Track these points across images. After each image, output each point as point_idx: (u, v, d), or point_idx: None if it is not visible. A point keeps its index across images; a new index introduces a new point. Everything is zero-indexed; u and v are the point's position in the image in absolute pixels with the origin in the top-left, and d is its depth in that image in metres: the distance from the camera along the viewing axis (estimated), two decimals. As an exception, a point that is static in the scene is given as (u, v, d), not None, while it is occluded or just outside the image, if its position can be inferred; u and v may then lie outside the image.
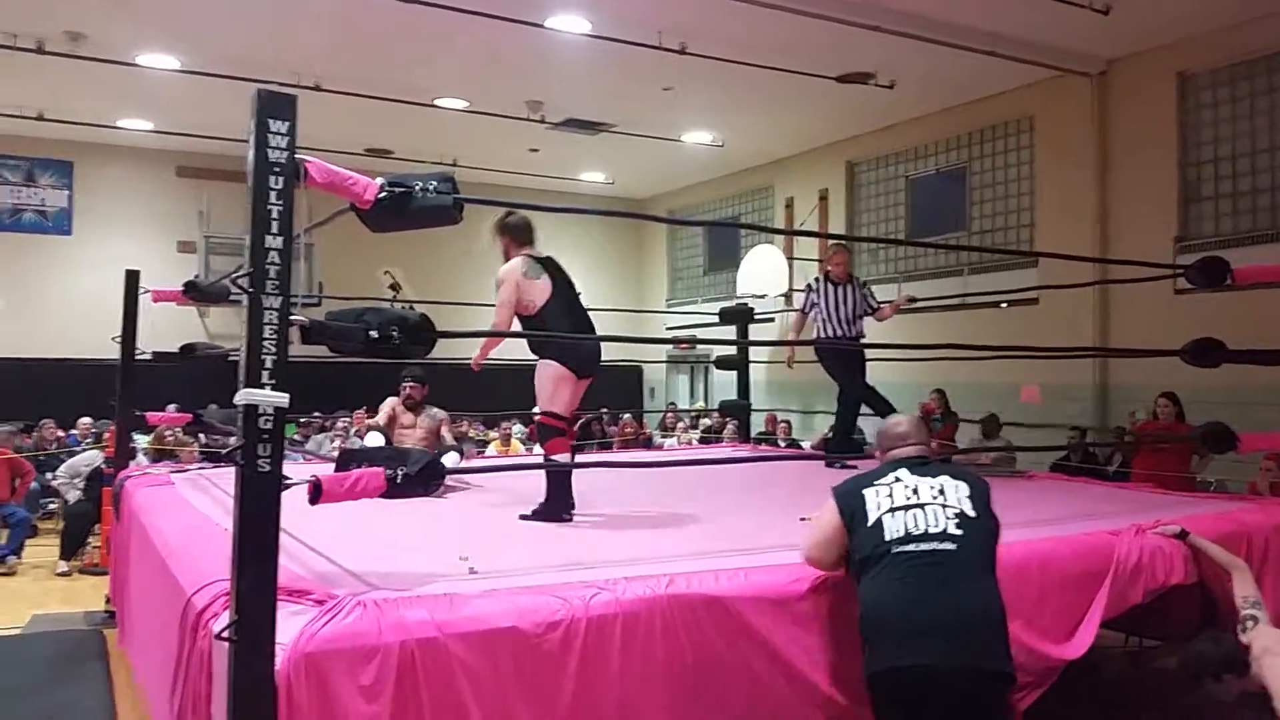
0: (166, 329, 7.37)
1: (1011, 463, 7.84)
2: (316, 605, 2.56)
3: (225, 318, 13.23)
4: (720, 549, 3.48)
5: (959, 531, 2.81)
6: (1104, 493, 5.50)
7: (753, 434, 9.35)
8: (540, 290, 4.44)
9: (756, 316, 8.78)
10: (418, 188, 2.83)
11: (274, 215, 2.41)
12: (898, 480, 2.96)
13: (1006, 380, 9.87)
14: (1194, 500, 5.07)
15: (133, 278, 6.36)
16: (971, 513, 2.86)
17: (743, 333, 8.51)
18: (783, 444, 10.94)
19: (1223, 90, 9.04)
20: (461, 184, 3.01)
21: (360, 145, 12.56)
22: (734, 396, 8.46)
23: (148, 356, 6.42)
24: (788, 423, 11.71)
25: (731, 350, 8.87)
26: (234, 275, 2.51)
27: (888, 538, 2.82)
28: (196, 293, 6.03)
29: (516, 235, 4.61)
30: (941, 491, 2.90)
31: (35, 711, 4.63)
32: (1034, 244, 10.42)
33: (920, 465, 3.02)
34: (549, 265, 4.56)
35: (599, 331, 5.08)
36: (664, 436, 12.94)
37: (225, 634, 2.34)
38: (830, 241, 6.63)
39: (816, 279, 7.00)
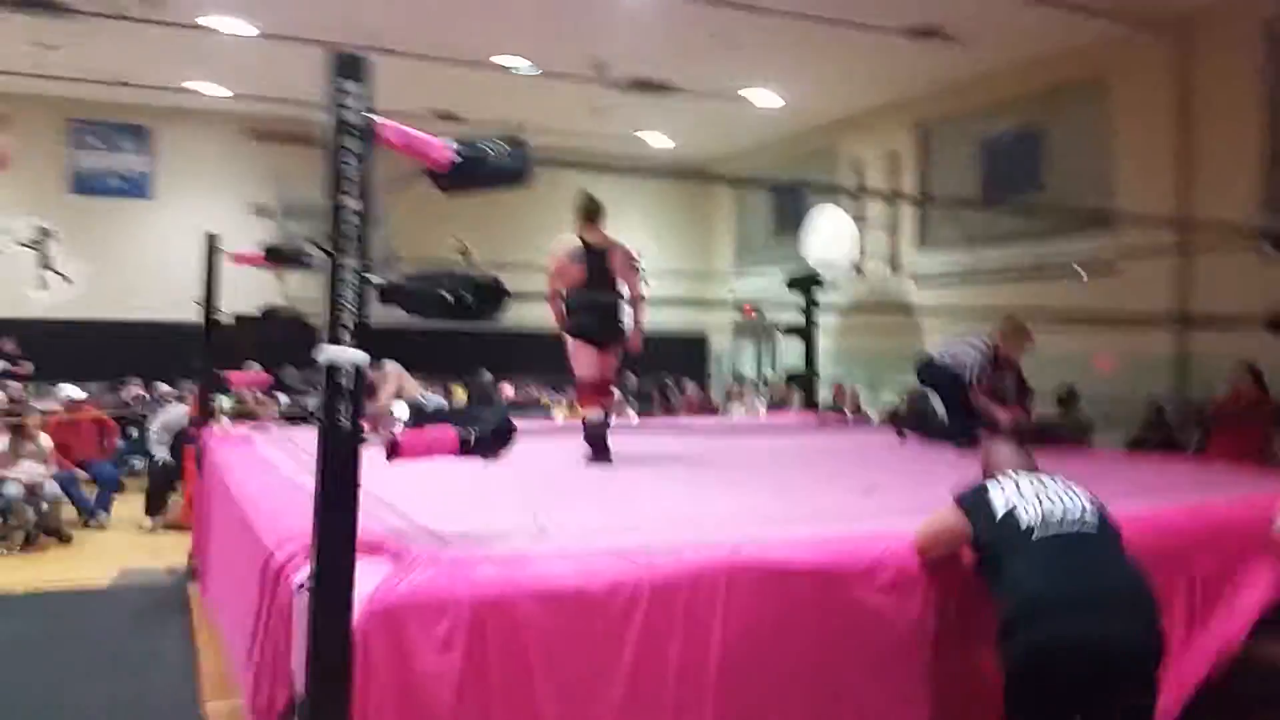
0: (245, 291, 7.56)
1: (1086, 434, 7.68)
2: (393, 560, 2.64)
3: (303, 279, 13.52)
4: (787, 518, 3.48)
5: (1094, 519, 2.89)
6: (1177, 468, 5.37)
7: (819, 403, 9.29)
8: (575, 274, 5.23)
9: (824, 283, 8.70)
10: (490, 150, 2.85)
11: (351, 176, 2.44)
12: (1021, 477, 3.03)
13: (1082, 349, 9.63)
14: (1268, 476, 4.92)
15: (212, 241, 6.53)
16: (1098, 507, 2.94)
17: (810, 300, 8.43)
18: (849, 414, 10.85)
19: (1316, 41, 8.61)
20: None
21: (428, 108, 12.64)
22: (800, 365, 8.43)
23: (228, 318, 6.61)
24: (855, 392, 11.59)
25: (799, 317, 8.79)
26: (310, 238, 2.56)
27: (1023, 527, 2.85)
28: (277, 256, 6.17)
29: (581, 214, 5.38)
30: (1069, 488, 2.97)
31: (121, 660, 4.85)
32: (1113, 206, 10.07)
33: (1033, 472, 3.09)
34: (593, 256, 5.23)
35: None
36: (730, 405, 12.92)
37: (306, 585, 2.42)
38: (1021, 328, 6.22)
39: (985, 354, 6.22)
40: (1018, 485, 2.99)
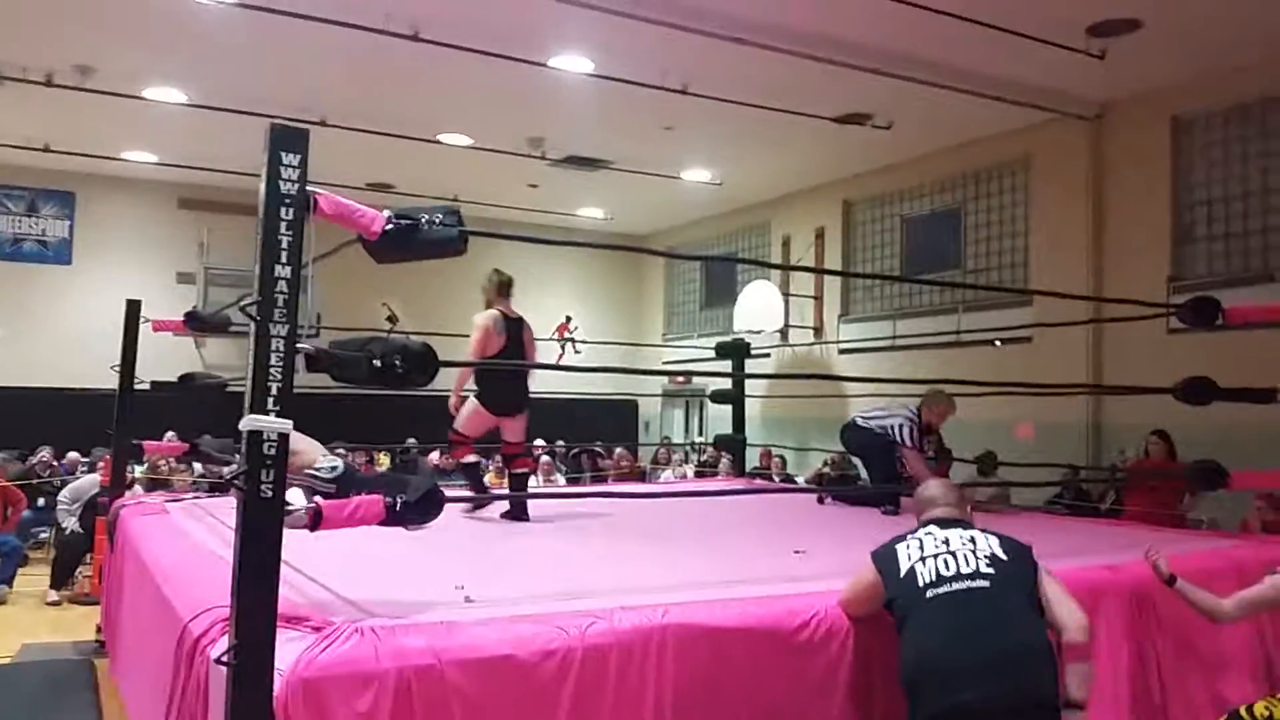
0: (163, 359, 7.42)
1: (1006, 500, 7.86)
2: (314, 632, 2.58)
3: (222, 348, 13.25)
4: (716, 581, 3.49)
5: (991, 570, 2.91)
6: (1096, 530, 5.52)
7: (748, 468, 9.34)
8: (497, 344, 5.61)
9: (752, 351, 8.83)
10: (424, 220, 2.88)
11: (284, 245, 2.46)
12: (928, 534, 3.07)
13: (1001, 417, 9.90)
14: (1185, 537, 5.09)
15: (133, 307, 6.40)
16: (1003, 555, 2.97)
17: (739, 367, 8.55)
18: (777, 479, 10.95)
19: (1216, 133, 9.16)
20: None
21: (362, 180, 12.66)
22: (729, 431, 8.48)
23: (146, 386, 6.45)
24: (782, 458, 11.72)
25: (727, 384, 8.89)
26: (241, 304, 2.55)
27: (920, 584, 2.91)
28: (197, 322, 6.08)
29: (501, 290, 5.81)
30: (973, 540, 3.01)
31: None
32: (1028, 284, 10.50)
33: (952, 522, 3.13)
34: (512, 326, 5.67)
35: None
36: (658, 469, 12.94)
37: (225, 659, 2.35)
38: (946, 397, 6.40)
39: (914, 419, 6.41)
40: (922, 542, 3.04)
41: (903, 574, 2.96)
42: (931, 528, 3.10)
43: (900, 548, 3.05)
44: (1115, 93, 9.59)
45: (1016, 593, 2.90)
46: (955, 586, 2.87)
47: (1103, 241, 9.91)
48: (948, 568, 2.90)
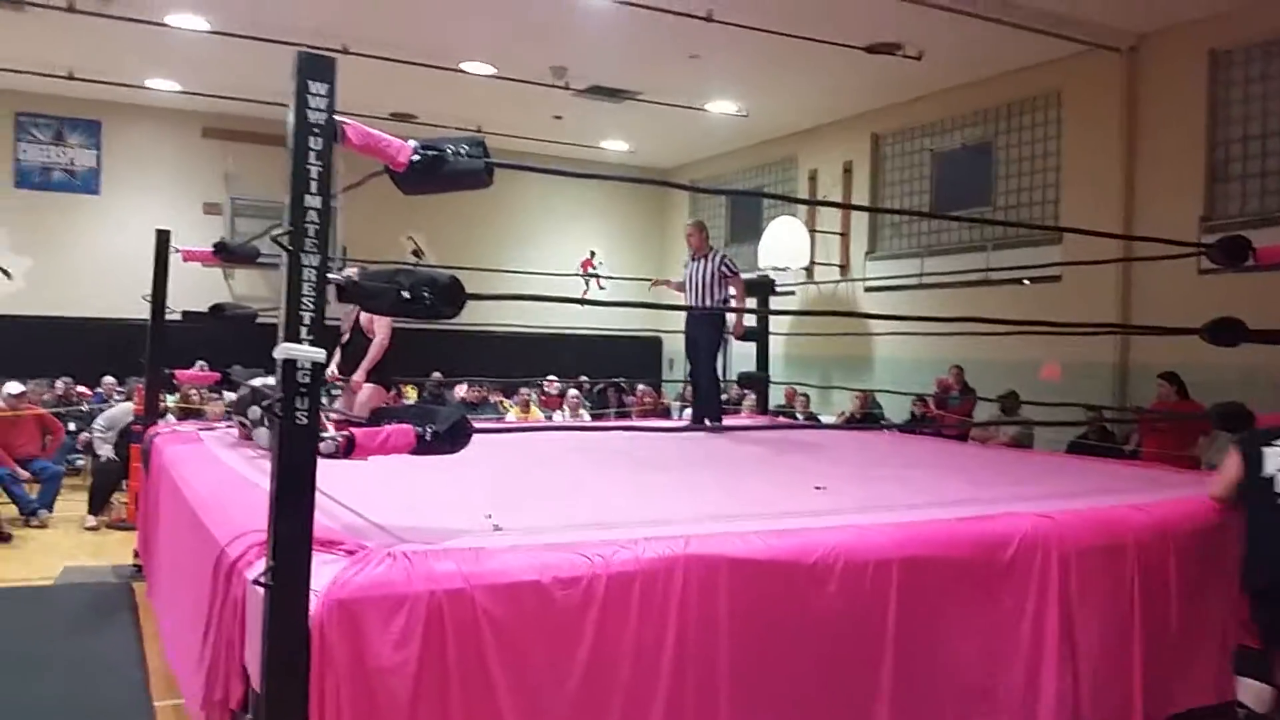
0: (192, 289, 7.47)
1: (1029, 439, 7.87)
2: (348, 555, 2.65)
3: (251, 279, 13.34)
4: (737, 514, 3.54)
5: None
6: (1116, 471, 5.53)
7: (771, 406, 9.38)
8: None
9: (777, 289, 8.80)
10: (450, 151, 2.88)
11: (313, 175, 2.47)
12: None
13: (1027, 357, 9.86)
14: (1204, 480, 5.08)
15: (163, 237, 6.45)
16: None
17: (764, 304, 8.53)
18: (800, 417, 10.99)
19: (1255, 68, 8.92)
20: (485, 150, 3.04)
21: (385, 109, 12.58)
22: (752, 369, 8.50)
23: (176, 316, 6.53)
24: (806, 396, 11.75)
25: (750, 321, 8.88)
26: (271, 234, 2.57)
27: (1276, 489, 3.38)
28: (226, 253, 6.12)
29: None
30: None
31: (67, 659, 4.78)
32: (1059, 221, 10.35)
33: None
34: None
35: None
36: (682, 406, 13.00)
37: (261, 579, 2.43)
38: (687, 220, 6.98)
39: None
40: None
41: (1264, 474, 3.38)
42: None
43: (1267, 450, 3.45)
44: (1151, 24, 9.35)
45: None
46: None
47: (1134, 179, 9.75)
48: None
